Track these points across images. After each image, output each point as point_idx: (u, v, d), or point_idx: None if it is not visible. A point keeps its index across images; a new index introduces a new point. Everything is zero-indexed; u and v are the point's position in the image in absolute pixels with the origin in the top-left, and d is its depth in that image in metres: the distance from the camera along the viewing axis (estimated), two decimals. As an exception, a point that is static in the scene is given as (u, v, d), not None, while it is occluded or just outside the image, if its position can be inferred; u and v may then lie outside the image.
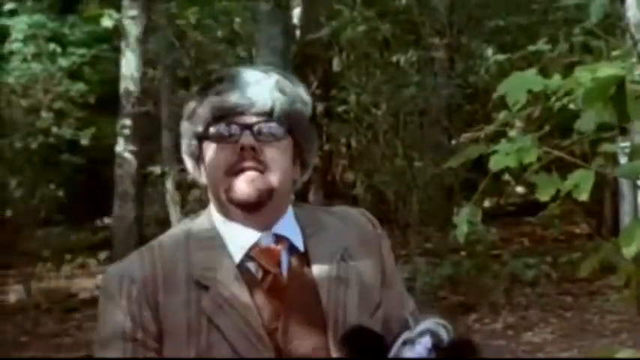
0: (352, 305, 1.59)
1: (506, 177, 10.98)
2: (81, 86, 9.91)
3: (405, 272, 8.72)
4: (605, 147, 2.15)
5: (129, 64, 10.03)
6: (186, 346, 1.52)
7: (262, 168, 1.55)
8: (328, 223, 1.65)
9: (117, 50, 10.34)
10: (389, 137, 10.51)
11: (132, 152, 10.19)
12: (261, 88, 1.56)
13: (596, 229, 10.75)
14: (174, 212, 11.73)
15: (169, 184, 11.61)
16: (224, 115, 1.55)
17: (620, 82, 1.85)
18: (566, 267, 9.04)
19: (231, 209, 1.58)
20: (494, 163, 1.95)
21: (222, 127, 1.55)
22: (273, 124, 1.56)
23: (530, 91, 1.95)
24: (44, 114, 9.61)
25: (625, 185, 8.73)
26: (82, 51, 9.98)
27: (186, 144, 1.63)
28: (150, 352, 1.54)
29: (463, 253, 9.06)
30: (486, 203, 11.68)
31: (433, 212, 10.29)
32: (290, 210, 1.63)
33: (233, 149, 1.55)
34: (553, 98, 1.97)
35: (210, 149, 1.58)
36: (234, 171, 1.55)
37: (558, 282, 8.70)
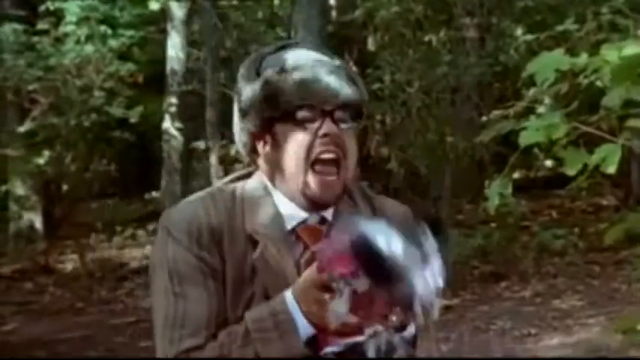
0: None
1: (536, 151, 10.89)
2: (130, 66, 9.98)
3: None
4: (632, 122, 2.13)
5: (174, 45, 10.07)
6: (239, 296, 1.54)
7: (340, 156, 1.56)
8: (360, 210, 1.65)
9: (163, 32, 10.39)
10: (422, 114, 10.45)
11: (178, 129, 10.25)
12: (339, 77, 1.56)
13: (623, 201, 10.64)
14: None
15: (213, 159, 11.67)
16: (310, 102, 1.54)
17: (647, 60, 1.84)
18: (593, 237, 8.98)
19: (298, 195, 1.58)
20: (524, 138, 1.94)
21: (307, 113, 1.55)
22: (347, 113, 1.57)
23: (558, 70, 1.94)
24: (96, 93, 9.69)
25: (651, 159, 8.63)
26: (130, 33, 10.03)
27: (254, 124, 1.59)
28: (219, 288, 1.55)
29: (494, 224, 9.03)
30: (516, 176, 11.60)
31: (464, 185, 10.25)
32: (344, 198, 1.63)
33: (313, 135, 1.55)
34: (581, 76, 1.96)
35: (289, 133, 1.56)
36: (314, 159, 1.55)
37: (586, 252, 8.65)
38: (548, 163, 12.35)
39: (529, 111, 2.18)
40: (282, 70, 1.57)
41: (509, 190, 2.03)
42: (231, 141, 12.24)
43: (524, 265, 8.30)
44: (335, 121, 1.55)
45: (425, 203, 10.33)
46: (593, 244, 8.74)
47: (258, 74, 1.59)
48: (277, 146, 1.57)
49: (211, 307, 1.54)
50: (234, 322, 1.53)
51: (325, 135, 1.54)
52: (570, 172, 1.89)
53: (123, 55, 10.07)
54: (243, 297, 1.54)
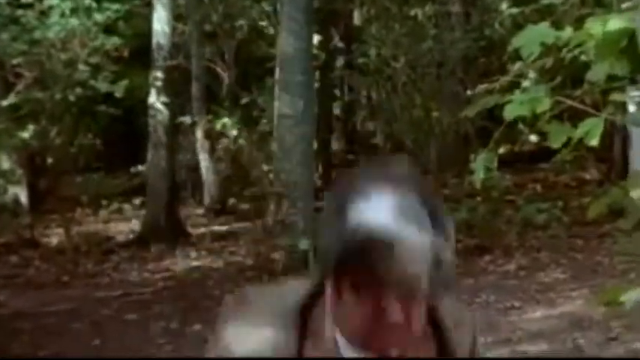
0: None
1: (520, 125, 10.92)
2: (115, 40, 9.91)
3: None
4: (615, 96, 2.14)
5: (160, 19, 10.00)
6: None
7: (406, 342, 1.39)
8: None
9: (149, 5, 10.30)
10: (407, 88, 10.45)
11: (164, 103, 10.21)
12: (419, 267, 1.35)
13: (606, 175, 10.70)
14: (203, 159, 11.79)
15: (199, 133, 11.64)
16: (380, 283, 1.34)
17: (631, 35, 1.84)
18: (576, 211, 9.03)
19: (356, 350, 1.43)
20: (509, 112, 1.95)
21: (368, 281, 1.34)
22: (420, 292, 1.36)
23: (543, 44, 1.94)
24: (81, 67, 9.62)
25: (634, 132, 8.65)
26: (116, 6, 9.95)
27: (325, 266, 1.41)
28: None
29: (479, 198, 9.07)
30: (501, 150, 11.64)
31: (450, 159, 10.29)
32: None
33: (375, 307, 1.35)
34: (565, 50, 1.96)
35: (346, 291, 1.37)
36: (375, 344, 1.38)
37: (569, 226, 8.71)
38: (533, 137, 12.40)
39: (514, 85, 2.18)
40: (355, 234, 1.35)
41: (495, 164, 2.04)
42: (217, 116, 12.24)
43: (509, 238, 8.35)
44: (398, 293, 1.34)
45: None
46: (577, 217, 8.79)
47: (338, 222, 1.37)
48: (340, 304, 1.40)
49: None
50: None
51: (384, 309, 1.34)
52: (555, 145, 1.90)
53: (108, 29, 9.99)
54: None
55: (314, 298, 1.47)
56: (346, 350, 1.43)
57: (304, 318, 1.47)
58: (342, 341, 1.43)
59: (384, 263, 1.33)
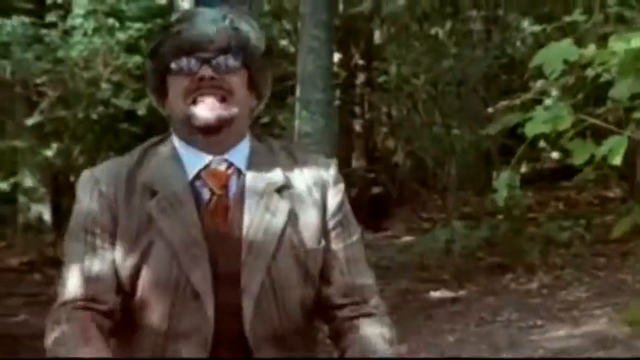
0: (271, 233, 1.61)
1: (542, 143, 10.87)
2: (137, 59, 9.97)
3: (443, 235, 8.71)
4: (639, 114, 2.12)
5: (182, 38, 10.06)
6: (134, 245, 1.60)
7: (221, 95, 1.61)
8: (280, 160, 1.69)
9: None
10: (428, 106, 10.44)
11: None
12: (218, 26, 1.62)
13: (629, 193, 10.62)
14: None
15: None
16: (185, 51, 1.61)
17: (653, 52, 1.83)
18: (599, 229, 8.96)
19: (190, 135, 1.64)
20: (530, 130, 1.94)
21: (183, 62, 1.61)
22: (229, 58, 1.61)
23: (565, 61, 1.94)
24: (104, 85, 9.70)
25: (657, 151, 8.60)
26: (138, 25, 10.03)
27: (151, 80, 1.70)
28: (105, 245, 1.62)
29: (500, 216, 9.02)
30: (523, 168, 11.59)
31: (470, 177, 10.25)
32: (247, 140, 1.68)
33: (193, 81, 1.61)
34: (588, 68, 1.96)
35: (172, 82, 1.64)
36: (195, 98, 1.61)
37: (592, 243, 8.64)
38: (555, 155, 12.34)
39: (536, 103, 2.18)
40: (167, 25, 1.67)
41: (517, 182, 2.03)
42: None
43: (531, 256, 8.29)
44: (214, 67, 1.60)
45: (431, 195, 10.33)
46: (600, 235, 8.72)
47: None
48: (168, 98, 1.66)
49: (84, 267, 1.62)
50: (131, 270, 1.59)
51: (201, 79, 1.60)
52: (577, 162, 1.89)
53: (130, 48, 10.07)
54: (139, 245, 1.59)
55: (161, 139, 1.73)
56: (182, 149, 1.66)
57: (151, 142, 1.73)
58: (178, 143, 1.67)
59: (187, 29, 1.61)
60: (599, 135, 1.99)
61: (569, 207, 10.87)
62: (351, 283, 1.68)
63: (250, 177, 1.64)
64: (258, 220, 1.61)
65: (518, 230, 8.77)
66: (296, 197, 1.65)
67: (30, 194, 11.25)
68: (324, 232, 1.67)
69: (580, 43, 1.95)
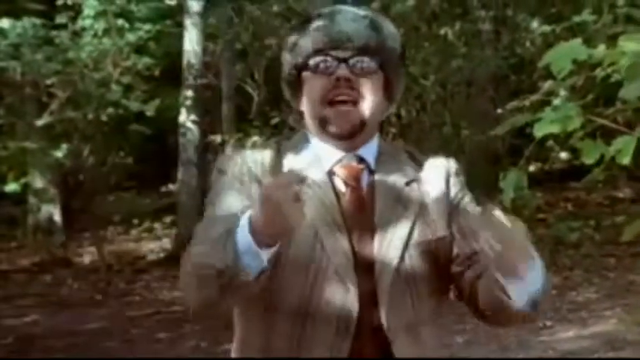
0: (402, 225, 1.62)
1: (551, 143, 10.84)
2: (147, 60, 10.00)
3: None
4: (648, 114, 2.11)
5: (191, 39, 10.08)
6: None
7: (356, 98, 1.60)
8: (404, 159, 1.71)
9: (180, 25, 10.40)
10: (437, 107, 10.43)
11: (194, 122, 10.27)
12: (357, 25, 1.61)
13: (639, 194, 10.58)
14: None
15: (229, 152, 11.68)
16: (322, 48, 1.60)
17: (663, 52, 1.82)
18: (609, 230, 8.93)
19: (324, 134, 1.64)
20: (539, 130, 1.94)
21: (320, 59, 1.60)
22: (366, 59, 1.60)
23: (575, 61, 1.93)
24: (114, 87, 9.72)
25: (667, 151, 8.56)
26: (147, 26, 10.05)
27: (286, 74, 1.68)
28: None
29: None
30: (531, 168, 11.57)
31: (480, 177, 10.22)
32: (375, 139, 1.69)
33: (329, 80, 1.59)
34: (598, 69, 1.95)
35: (308, 79, 1.63)
36: (330, 100, 1.60)
37: (601, 244, 8.61)
38: (564, 155, 12.30)
39: (545, 103, 2.17)
40: (306, 20, 1.66)
41: (524, 182, 2.02)
42: (247, 134, 12.27)
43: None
44: (351, 67, 1.59)
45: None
46: (609, 236, 8.69)
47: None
48: (304, 95, 1.65)
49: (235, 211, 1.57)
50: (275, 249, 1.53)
51: (338, 79, 1.58)
52: (588, 161, 1.88)
53: (140, 49, 10.09)
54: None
55: (292, 135, 1.73)
56: (317, 144, 1.67)
57: (282, 139, 1.72)
58: (312, 139, 1.68)
59: (326, 26, 1.60)
60: (608, 135, 1.98)
61: (578, 207, 10.84)
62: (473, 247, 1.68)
63: (380, 172, 1.66)
64: (390, 211, 1.63)
65: (528, 230, 8.75)
66: (423, 190, 1.68)
67: (40, 195, 11.28)
68: (450, 217, 1.69)
69: (589, 43, 1.94)
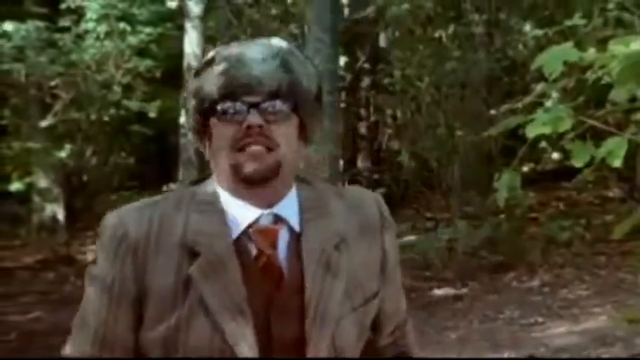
0: (335, 297, 1.46)
1: (543, 144, 10.85)
2: (148, 62, 10.00)
3: (446, 234, 8.70)
4: (638, 116, 2.11)
5: (191, 42, 10.07)
6: (169, 311, 1.42)
7: (269, 145, 1.43)
8: (332, 207, 1.52)
9: (180, 29, 10.39)
10: (432, 108, 10.43)
11: (195, 123, 10.25)
12: (268, 66, 1.44)
13: (629, 193, 10.59)
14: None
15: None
16: (230, 92, 1.44)
17: (652, 55, 1.82)
18: (599, 229, 8.94)
19: (235, 185, 1.46)
20: (531, 131, 1.93)
21: (228, 105, 1.44)
22: (279, 103, 1.44)
23: (566, 63, 1.93)
24: (116, 88, 9.72)
25: (656, 152, 8.57)
26: (149, 29, 10.05)
27: (193, 120, 1.51)
28: (123, 308, 1.45)
29: (502, 215, 9.01)
30: (524, 169, 11.57)
31: (473, 178, 10.23)
32: (294, 190, 1.50)
33: (239, 127, 1.43)
34: (589, 71, 1.94)
35: (216, 126, 1.46)
36: (240, 147, 1.43)
37: (592, 243, 8.61)
38: (555, 155, 12.31)
39: (537, 105, 2.16)
40: (210, 61, 1.48)
41: (518, 183, 2.02)
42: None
43: (532, 255, 8.27)
44: (262, 113, 1.43)
45: (434, 195, 10.32)
46: (600, 235, 8.70)
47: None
48: (213, 142, 1.48)
49: (99, 323, 1.48)
50: (165, 335, 1.42)
51: (248, 127, 1.42)
52: (578, 164, 1.87)
53: (141, 51, 10.09)
54: (176, 310, 1.42)
55: (201, 180, 1.55)
56: (227, 201, 1.48)
57: (189, 190, 1.52)
58: (222, 194, 1.48)
59: (234, 68, 1.44)
60: (599, 136, 1.97)
61: (569, 207, 10.85)
62: (395, 323, 1.62)
63: (305, 236, 1.47)
64: (320, 284, 1.45)
65: (520, 230, 8.75)
66: (353, 249, 1.50)
67: (44, 194, 11.27)
68: (381, 278, 1.55)
69: (580, 46, 1.93)
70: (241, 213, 1.46)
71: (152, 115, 9.95)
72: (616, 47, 1.86)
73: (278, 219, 1.47)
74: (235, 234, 1.45)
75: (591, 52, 1.89)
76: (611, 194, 11.16)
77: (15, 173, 11.57)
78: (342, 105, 11.13)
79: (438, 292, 7.79)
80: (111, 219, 1.48)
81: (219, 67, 1.46)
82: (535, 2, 11.05)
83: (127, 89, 9.83)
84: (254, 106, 1.43)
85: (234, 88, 1.44)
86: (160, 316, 1.42)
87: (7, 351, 6.51)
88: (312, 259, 1.46)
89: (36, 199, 11.41)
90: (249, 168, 1.43)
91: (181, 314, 1.41)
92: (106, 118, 9.77)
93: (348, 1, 11.93)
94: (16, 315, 7.66)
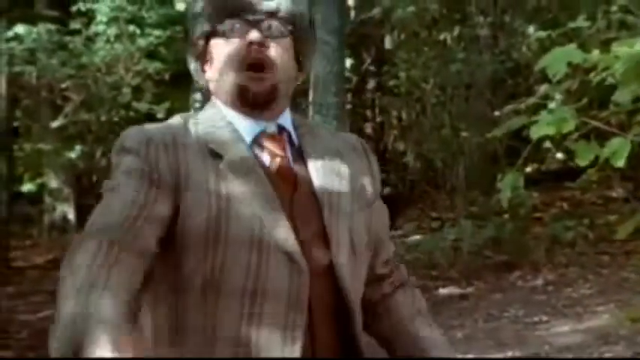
0: (344, 194, 1.53)
1: (547, 144, 10.83)
2: (157, 64, 10.01)
3: (452, 234, 8.69)
4: (641, 117, 2.10)
5: (200, 45, 10.08)
6: (207, 201, 1.43)
7: (269, 62, 1.50)
8: (319, 131, 1.63)
9: (188, 31, 10.41)
10: (437, 109, 10.42)
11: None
12: None
13: (632, 193, 10.56)
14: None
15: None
16: (231, 12, 1.51)
17: (655, 57, 1.81)
18: (603, 228, 8.91)
19: (240, 102, 1.52)
20: (535, 132, 1.93)
21: (230, 23, 1.51)
22: (278, 22, 1.52)
23: (570, 65, 1.92)
24: (125, 90, 9.74)
25: (659, 152, 8.54)
26: (158, 32, 10.06)
27: (194, 44, 1.58)
28: (163, 195, 1.42)
29: (506, 215, 8.99)
30: (528, 169, 11.55)
31: (478, 178, 10.22)
32: (288, 110, 1.59)
33: (241, 44, 1.50)
34: (592, 73, 1.94)
35: (218, 46, 1.53)
36: (243, 65, 1.50)
37: (595, 242, 8.59)
38: (559, 156, 12.28)
39: (541, 107, 2.16)
40: None
41: (521, 183, 2.02)
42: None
43: (536, 255, 8.25)
44: (262, 31, 1.50)
45: (440, 195, 10.30)
46: (603, 234, 8.67)
47: None
48: (214, 62, 1.54)
49: (127, 212, 1.39)
50: (205, 227, 1.41)
51: (250, 43, 1.49)
52: (582, 163, 1.87)
53: (150, 54, 10.10)
54: (214, 202, 1.43)
55: (200, 110, 1.59)
56: (233, 116, 1.54)
57: (187, 114, 1.57)
58: (227, 111, 1.54)
59: None
60: (602, 137, 1.97)
61: (573, 207, 10.82)
62: (387, 252, 1.66)
63: (305, 143, 1.56)
64: (329, 182, 1.53)
65: (524, 229, 8.73)
66: (348, 161, 1.59)
67: (55, 195, 11.30)
68: (373, 195, 1.62)
69: (584, 48, 1.93)
70: (248, 124, 1.52)
71: (160, 116, 9.96)
72: (619, 49, 1.86)
73: (281, 129, 1.55)
74: (248, 142, 1.51)
75: (595, 54, 1.88)
76: (614, 194, 11.13)
77: (26, 174, 11.60)
78: (349, 106, 11.13)
79: (444, 291, 7.78)
80: (131, 130, 1.51)
81: None
82: (539, 5, 11.03)
83: (137, 91, 9.84)
84: (254, 24, 1.50)
85: (234, 8, 1.51)
86: (199, 206, 1.43)
87: (20, 348, 6.53)
88: (317, 165, 1.54)
89: (47, 199, 11.44)
90: (252, 91, 1.50)
91: (220, 204, 1.43)
92: (115, 119, 9.78)
93: (354, 3, 11.92)
94: (27, 314, 7.68)
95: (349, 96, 11.55)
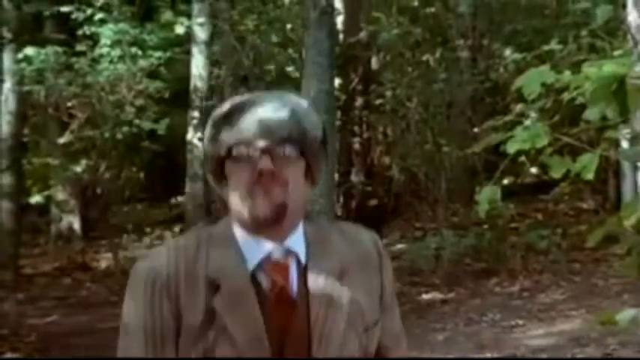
0: (338, 325, 1.49)
1: (522, 159, 10.87)
2: (158, 84, 10.01)
3: (434, 243, 8.70)
4: (609, 134, 2.12)
5: (198, 65, 10.09)
6: (197, 341, 1.44)
7: (280, 187, 1.46)
8: (334, 242, 1.55)
9: (188, 53, 10.42)
10: (420, 126, 10.45)
11: (200, 139, 10.26)
12: (279, 115, 1.49)
13: (601, 205, 10.61)
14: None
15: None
16: (244, 138, 1.48)
17: (621, 79, 1.83)
18: (574, 238, 8.94)
19: (249, 223, 1.48)
20: (511, 147, 1.94)
21: (242, 150, 1.47)
22: (288, 149, 1.48)
23: (543, 84, 1.94)
24: (128, 108, 9.73)
25: (626, 166, 8.59)
26: (158, 54, 10.06)
27: (210, 164, 1.54)
28: (167, 346, 1.45)
29: (485, 225, 9.01)
30: (505, 182, 11.58)
31: (459, 190, 10.24)
32: (301, 226, 1.53)
33: (253, 171, 1.46)
34: (564, 93, 1.96)
35: (232, 169, 1.50)
36: (255, 190, 1.46)
37: (568, 251, 8.62)
38: (534, 170, 12.33)
39: (516, 124, 2.18)
40: (228, 112, 1.52)
41: (499, 195, 2.03)
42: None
43: (513, 262, 8.27)
44: (273, 157, 1.46)
45: (423, 206, 10.32)
46: (575, 243, 8.70)
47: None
48: (227, 182, 1.51)
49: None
50: None
51: (260, 172, 1.45)
52: (555, 175, 1.88)
53: (152, 74, 10.10)
54: (203, 342, 1.44)
55: (215, 222, 1.57)
56: (242, 237, 1.51)
57: (206, 230, 1.54)
58: (237, 231, 1.51)
59: (249, 117, 1.48)
60: (574, 152, 1.99)
61: (547, 217, 10.85)
62: (395, 351, 1.63)
63: (311, 267, 1.50)
64: (324, 312, 1.48)
65: (502, 238, 8.75)
66: (354, 280, 1.53)
67: (61, 206, 11.26)
68: (380, 309, 1.57)
69: (556, 69, 1.95)
70: (255, 247, 1.49)
71: (161, 132, 9.95)
72: (589, 70, 1.88)
73: (288, 252, 1.50)
74: (251, 267, 1.48)
75: (566, 75, 1.90)
76: (585, 206, 11.17)
77: (35, 187, 11.56)
78: (338, 123, 11.15)
79: (426, 296, 7.79)
80: (142, 264, 1.51)
81: (234, 116, 1.50)
82: (515, 29, 11.11)
83: (138, 109, 9.84)
84: (266, 151, 1.46)
85: (247, 135, 1.47)
86: (189, 348, 1.44)
87: (29, 351, 6.49)
88: (317, 290, 1.49)
89: (54, 210, 11.41)
90: (261, 211, 1.46)
91: (207, 344, 1.43)
92: (118, 136, 9.76)
93: (343, 27, 11.97)
94: (35, 318, 7.64)
95: (339, 113, 11.57)
